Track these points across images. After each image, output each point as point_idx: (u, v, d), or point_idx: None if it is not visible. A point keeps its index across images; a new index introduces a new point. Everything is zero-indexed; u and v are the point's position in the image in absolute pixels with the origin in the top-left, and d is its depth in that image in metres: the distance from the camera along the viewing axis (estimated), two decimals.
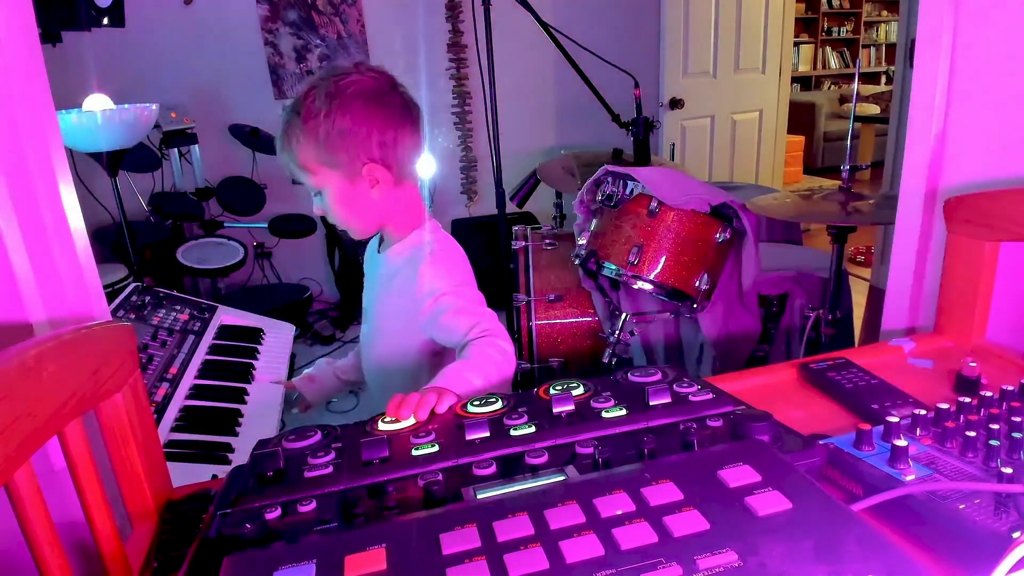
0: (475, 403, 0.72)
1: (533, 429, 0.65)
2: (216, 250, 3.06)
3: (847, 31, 7.72)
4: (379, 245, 1.18)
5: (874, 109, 6.63)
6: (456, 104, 3.75)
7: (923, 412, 0.68)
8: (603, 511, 0.47)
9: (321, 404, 1.33)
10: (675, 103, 3.52)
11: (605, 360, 1.79)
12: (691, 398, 0.68)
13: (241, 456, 1.06)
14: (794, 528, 0.44)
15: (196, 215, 3.10)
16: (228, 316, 1.75)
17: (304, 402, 1.30)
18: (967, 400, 0.69)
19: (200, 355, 1.53)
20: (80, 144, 2.31)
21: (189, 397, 1.37)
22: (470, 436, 0.65)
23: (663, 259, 1.60)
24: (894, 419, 0.66)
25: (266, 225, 3.29)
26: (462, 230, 3.56)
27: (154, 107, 2.53)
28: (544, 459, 0.59)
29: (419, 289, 1.06)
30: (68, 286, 0.82)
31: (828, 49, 7.75)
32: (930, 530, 0.55)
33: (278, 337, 1.74)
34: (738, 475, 0.49)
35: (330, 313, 3.67)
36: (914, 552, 0.55)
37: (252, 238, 3.37)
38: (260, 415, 1.39)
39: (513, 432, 0.64)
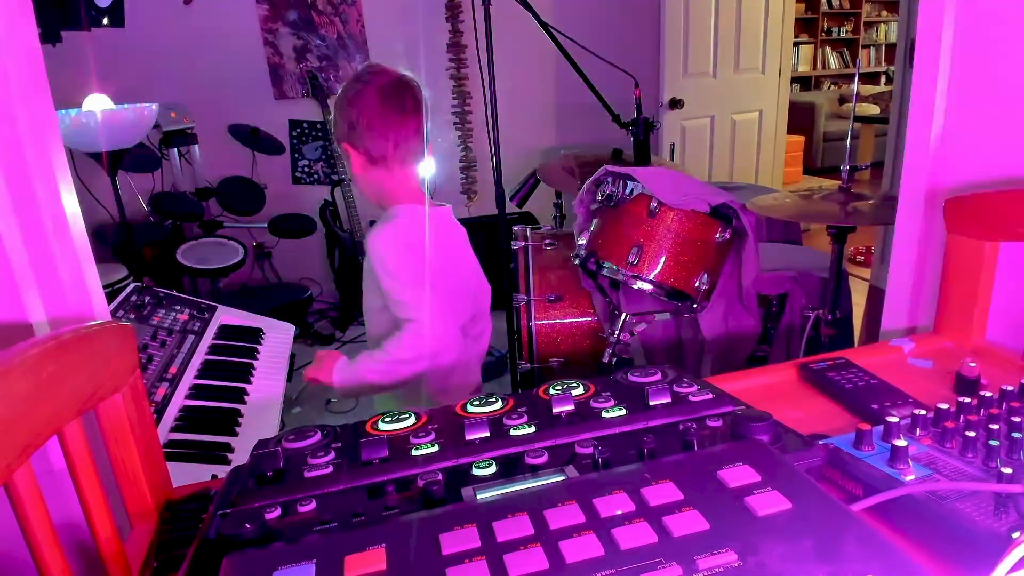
0: (475, 403, 0.72)
1: (533, 429, 0.65)
2: (216, 250, 3.06)
3: (847, 31, 7.72)
4: None
5: (874, 109, 6.62)
6: (456, 104, 3.75)
7: (923, 412, 0.68)
8: (603, 511, 0.47)
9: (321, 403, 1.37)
10: (675, 103, 3.52)
11: (605, 360, 1.79)
12: (691, 398, 0.68)
13: (241, 456, 1.06)
14: (794, 528, 0.44)
15: (196, 215, 3.10)
16: (228, 316, 1.75)
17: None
18: (967, 400, 0.69)
19: (200, 355, 1.52)
20: (80, 144, 2.31)
21: (189, 397, 1.37)
22: (470, 436, 0.64)
23: (663, 259, 1.60)
24: (894, 419, 0.66)
25: (266, 225, 3.29)
26: None
27: (154, 107, 2.53)
28: (544, 459, 0.59)
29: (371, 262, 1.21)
30: (68, 286, 0.82)
31: (828, 49, 7.74)
32: (930, 530, 0.55)
33: (278, 337, 1.74)
34: (738, 475, 0.49)
35: (330, 313, 3.67)
36: (914, 552, 0.54)
37: (252, 238, 3.37)
38: (260, 415, 1.38)
39: (513, 432, 0.64)
